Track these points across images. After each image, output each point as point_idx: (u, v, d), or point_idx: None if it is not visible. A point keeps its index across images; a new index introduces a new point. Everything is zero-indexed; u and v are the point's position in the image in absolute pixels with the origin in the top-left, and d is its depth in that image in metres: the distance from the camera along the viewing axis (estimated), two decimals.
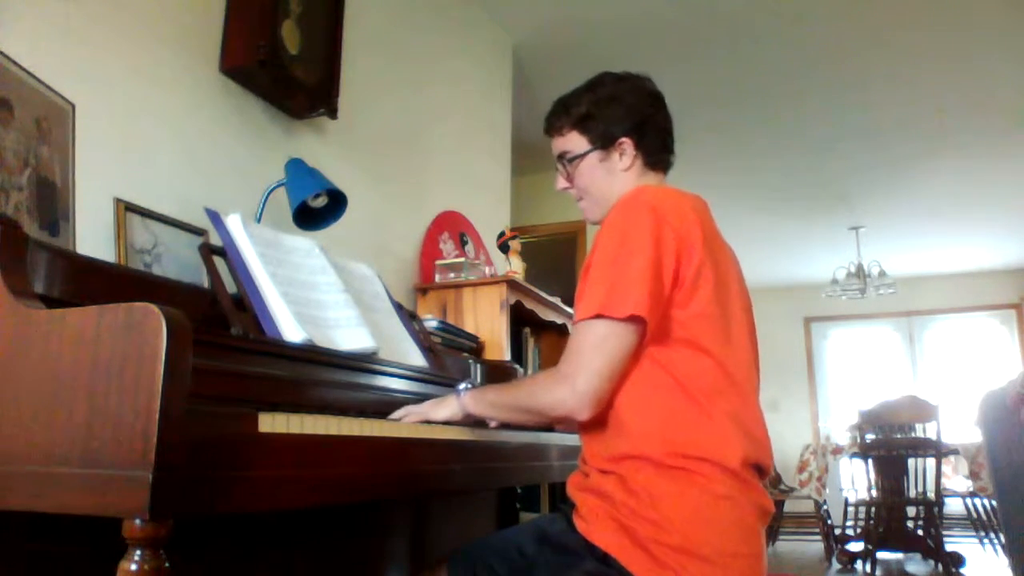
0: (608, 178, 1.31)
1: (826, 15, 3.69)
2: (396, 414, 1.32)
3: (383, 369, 1.48)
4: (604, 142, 1.31)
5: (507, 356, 2.69)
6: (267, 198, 1.95)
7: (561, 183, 1.38)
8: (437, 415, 1.30)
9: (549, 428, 1.79)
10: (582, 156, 1.32)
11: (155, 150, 1.78)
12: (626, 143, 1.30)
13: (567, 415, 1.14)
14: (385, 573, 1.80)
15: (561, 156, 1.36)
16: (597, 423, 1.19)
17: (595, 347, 1.11)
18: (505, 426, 1.58)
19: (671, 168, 1.37)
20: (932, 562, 4.39)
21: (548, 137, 1.39)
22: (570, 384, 1.11)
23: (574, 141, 1.33)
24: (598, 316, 1.10)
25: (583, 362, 1.11)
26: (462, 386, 1.33)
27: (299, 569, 1.49)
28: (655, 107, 1.33)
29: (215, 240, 1.51)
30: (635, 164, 1.31)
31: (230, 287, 1.38)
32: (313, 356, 1.32)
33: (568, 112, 1.34)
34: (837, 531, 4.99)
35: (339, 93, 2.28)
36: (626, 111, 1.30)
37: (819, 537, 5.20)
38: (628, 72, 1.35)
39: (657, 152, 1.33)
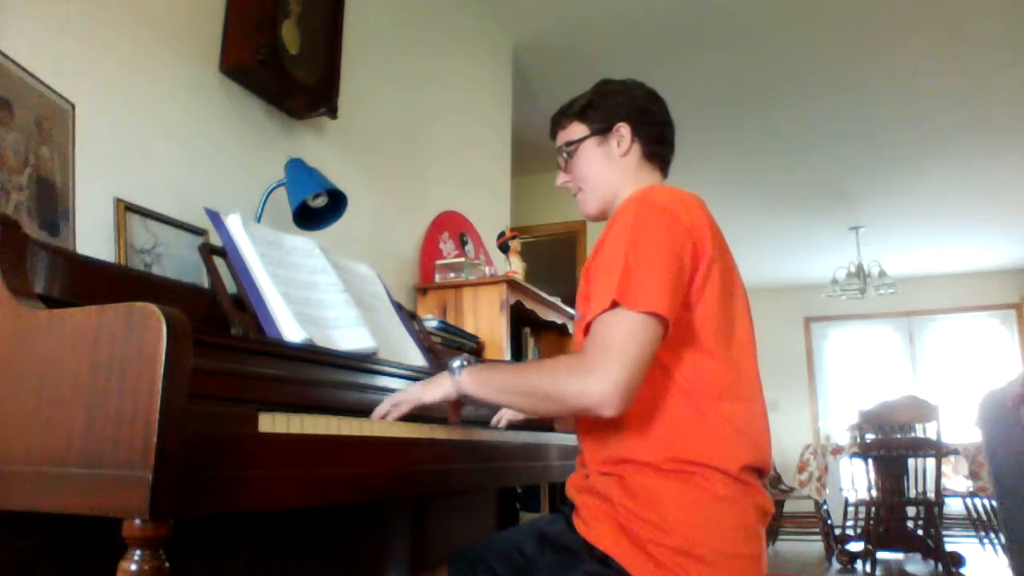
0: (605, 164, 1.32)
1: (826, 15, 3.69)
2: (384, 404, 1.23)
3: (383, 369, 1.49)
4: (602, 127, 1.33)
5: (507, 356, 2.69)
6: (267, 198, 1.95)
7: (561, 177, 1.39)
8: (429, 396, 1.22)
9: (549, 427, 1.79)
10: (580, 141, 1.34)
11: (155, 150, 1.78)
12: (623, 128, 1.31)
13: (592, 407, 1.04)
14: (385, 573, 1.80)
15: (561, 148, 1.37)
16: (597, 425, 1.18)
17: (627, 337, 1.04)
18: (511, 426, 1.58)
19: (669, 167, 1.38)
20: (932, 562, 4.39)
21: (553, 141, 1.40)
22: (600, 373, 1.03)
23: (574, 130, 1.36)
24: (615, 304, 1.06)
25: (615, 352, 1.03)
26: (456, 363, 1.22)
27: (299, 569, 1.49)
28: (654, 102, 1.36)
29: (215, 240, 1.51)
30: (632, 151, 1.32)
31: (230, 287, 1.38)
32: (313, 356, 1.32)
33: (571, 107, 1.38)
34: (837, 531, 4.99)
35: (339, 93, 2.28)
36: (625, 99, 1.34)
37: (819, 537, 5.20)
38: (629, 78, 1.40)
39: (655, 143, 1.33)
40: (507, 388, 1.18)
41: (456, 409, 1.30)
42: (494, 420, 1.58)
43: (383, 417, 1.23)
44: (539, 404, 1.16)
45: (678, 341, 1.12)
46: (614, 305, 1.06)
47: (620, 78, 1.39)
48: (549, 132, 1.41)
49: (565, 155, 1.36)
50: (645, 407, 1.12)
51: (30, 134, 1.41)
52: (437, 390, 1.22)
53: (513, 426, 1.57)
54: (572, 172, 1.36)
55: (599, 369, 1.03)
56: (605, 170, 1.32)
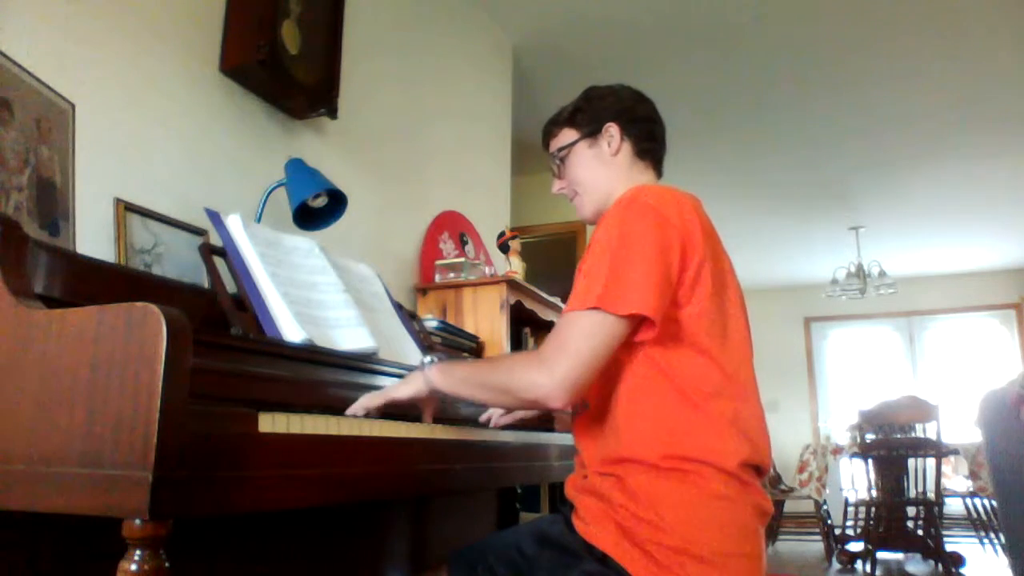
0: (597, 165, 1.33)
1: (826, 15, 3.69)
2: (356, 404, 1.22)
3: (383, 369, 1.49)
4: (592, 130, 1.34)
5: None
6: (267, 198, 1.95)
7: (556, 184, 1.40)
8: (400, 394, 1.24)
9: (549, 427, 1.79)
10: (571, 145, 1.35)
11: (155, 150, 1.78)
12: (613, 128, 1.33)
13: (539, 399, 1.09)
14: (385, 573, 1.80)
15: (553, 155, 1.38)
16: (593, 426, 1.19)
17: (583, 336, 1.07)
18: (508, 427, 1.58)
19: (662, 164, 1.39)
20: (932, 562, 4.39)
21: (547, 151, 1.42)
22: (548, 368, 1.07)
23: (565, 135, 1.38)
24: (595, 308, 1.07)
25: (567, 348, 1.07)
26: (427, 359, 1.27)
27: (299, 569, 1.49)
28: (641, 101, 1.38)
29: (215, 240, 1.51)
30: (623, 150, 1.33)
31: (230, 287, 1.39)
32: (313, 356, 1.32)
33: (560, 114, 1.40)
34: (837, 531, 4.98)
35: (339, 93, 2.28)
36: (612, 101, 1.36)
37: (819, 537, 5.20)
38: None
39: (645, 140, 1.35)
40: (470, 381, 1.21)
41: (429, 407, 1.31)
42: (483, 417, 1.58)
43: (363, 414, 1.22)
44: (497, 397, 1.20)
45: (670, 340, 1.13)
46: (591, 308, 1.08)
47: (607, 84, 1.40)
48: (541, 143, 1.43)
49: (558, 161, 1.38)
50: (640, 406, 1.13)
51: (30, 134, 1.41)
52: (409, 387, 1.24)
53: (511, 426, 1.58)
54: (566, 177, 1.37)
55: (547, 364, 1.07)
56: (598, 171, 1.33)
